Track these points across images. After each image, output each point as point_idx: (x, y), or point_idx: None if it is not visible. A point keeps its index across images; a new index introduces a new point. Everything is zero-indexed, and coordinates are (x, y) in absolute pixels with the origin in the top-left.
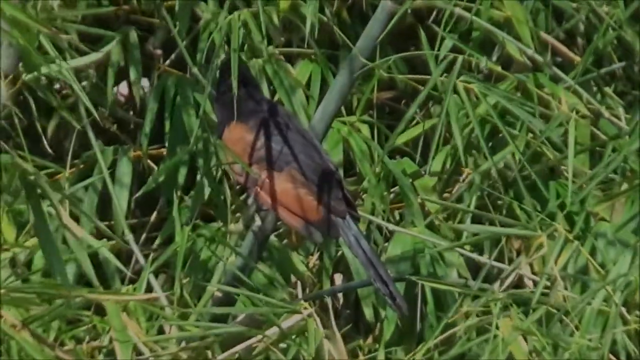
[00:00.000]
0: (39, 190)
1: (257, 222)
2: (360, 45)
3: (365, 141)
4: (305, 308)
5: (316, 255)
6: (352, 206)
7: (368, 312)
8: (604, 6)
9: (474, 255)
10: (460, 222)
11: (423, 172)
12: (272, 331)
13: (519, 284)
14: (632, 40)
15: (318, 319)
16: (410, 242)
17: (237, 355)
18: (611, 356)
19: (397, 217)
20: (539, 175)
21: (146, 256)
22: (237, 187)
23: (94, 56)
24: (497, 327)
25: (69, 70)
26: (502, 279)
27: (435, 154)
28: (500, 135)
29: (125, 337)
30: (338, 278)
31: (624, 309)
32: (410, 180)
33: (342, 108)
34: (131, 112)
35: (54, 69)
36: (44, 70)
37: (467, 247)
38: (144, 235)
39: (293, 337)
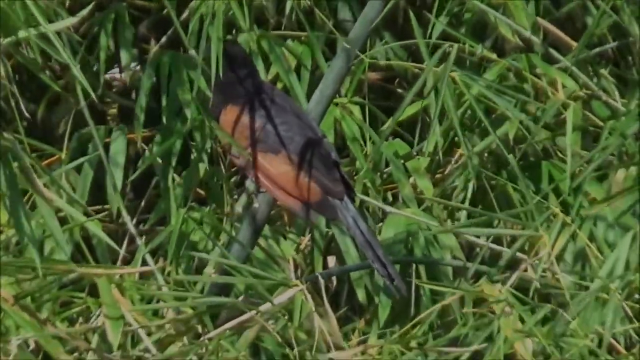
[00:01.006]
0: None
1: (255, 204)
2: (357, 29)
3: (357, 123)
4: (296, 285)
5: (308, 237)
6: (350, 187)
7: (361, 295)
8: None
9: (472, 237)
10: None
11: (415, 153)
12: (265, 307)
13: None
14: (629, 24)
15: (309, 296)
16: (403, 223)
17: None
18: (612, 341)
19: (391, 199)
20: (532, 156)
21: (139, 237)
22: (234, 169)
23: (70, 20)
24: (499, 330)
25: (54, 33)
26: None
27: (431, 135)
28: (493, 116)
29: (116, 312)
30: (331, 260)
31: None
32: (402, 161)
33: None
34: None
35: (33, 33)
36: (22, 34)
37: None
38: (135, 218)
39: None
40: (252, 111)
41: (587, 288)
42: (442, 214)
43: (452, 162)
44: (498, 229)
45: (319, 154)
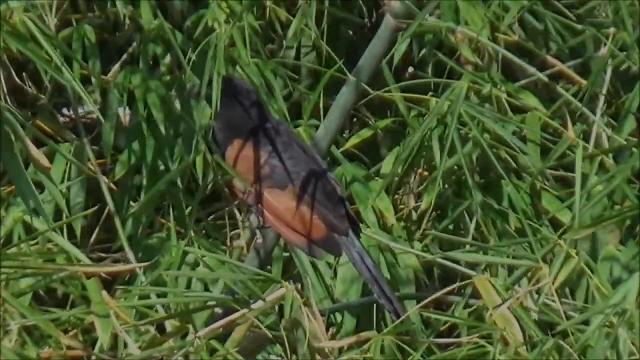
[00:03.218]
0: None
1: (259, 239)
2: (363, 64)
3: None
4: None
5: None
6: (355, 222)
7: None
8: (611, 28)
9: (444, 261)
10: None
11: (374, 175)
12: (256, 305)
13: None
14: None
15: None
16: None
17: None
18: None
19: None
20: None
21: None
22: (239, 204)
23: None
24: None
25: None
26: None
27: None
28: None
29: (104, 309)
30: None
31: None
32: (362, 183)
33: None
34: None
35: None
36: None
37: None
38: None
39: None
40: (259, 146)
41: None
42: (402, 234)
43: (410, 183)
44: (497, 258)
45: (325, 190)
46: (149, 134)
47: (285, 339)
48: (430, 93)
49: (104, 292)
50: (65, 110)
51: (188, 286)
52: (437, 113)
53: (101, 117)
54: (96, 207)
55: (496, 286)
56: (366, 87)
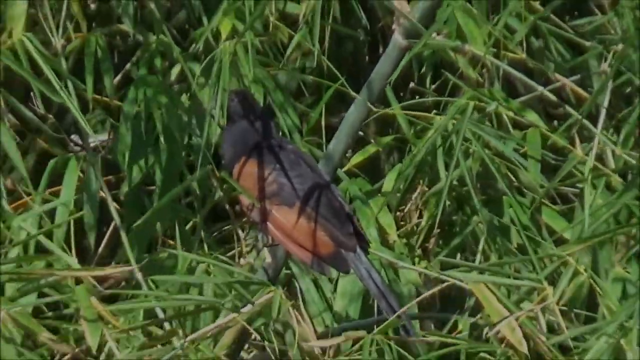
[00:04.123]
0: None
1: (267, 258)
2: (371, 82)
3: None
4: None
5: None
6: (363, 239)
7: None
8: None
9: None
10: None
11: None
12: (245, 308)
13: None
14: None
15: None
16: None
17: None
18: None
19: None
20: (493, 190)
21: None
22: (245, 222)
23: None
24: None
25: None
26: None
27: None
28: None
29: (92, 314)
30: None
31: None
32: (364, 199)
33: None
34: None
35: None
36: None
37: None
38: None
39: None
40: (267, 164)
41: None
42: (404, 250)
43: (413, 199)
44: (500, 278)
45: (332, 207)
46: (162, 148)
47: (274, 342)
48: (434, 112)
49: (93, 298)
50: (75, 138)
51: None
52: (442, 130)
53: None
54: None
55: (496, 293)
56: (371, 106)
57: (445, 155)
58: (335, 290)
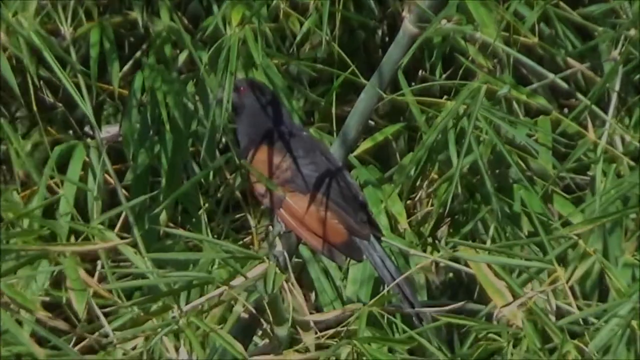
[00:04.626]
0: None
1: (279, 247)
2: (381, 70)
3: None
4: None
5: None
6: (376, 227)
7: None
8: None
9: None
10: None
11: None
12: (237, 281)
13: None
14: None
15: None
16: None
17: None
18: None
19: None
20: (504, 178)
21: None
22: (257, 209)
23: None
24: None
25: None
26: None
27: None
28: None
29: (79, 285)
30: None
31: None
32: (375, 186)
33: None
34: None
35: None
36: None
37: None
38: None
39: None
40: (282, 151)
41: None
42: (415, 239)
43: (424, 187)
44: (510, 260)
45: (346, 195)
46: (167, 136)
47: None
48: (445, 97)
49: (82, 271)
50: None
51: None
52: (454, 114)
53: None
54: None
55: (498, 272)
56: (381, 92)
57: (456, 144)
58: (345, 277)
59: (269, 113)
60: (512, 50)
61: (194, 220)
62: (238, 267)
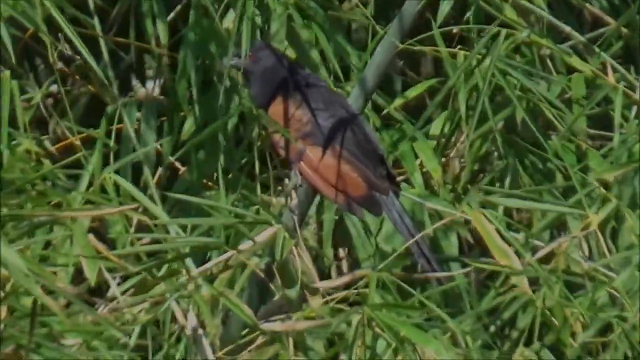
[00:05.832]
0: None
1: (294, 200)
2: (397, 22)
3: None
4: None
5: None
6: (396, 182)
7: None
8: None
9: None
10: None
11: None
12: (245, 245)
13: None
14: None
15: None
16: (408, 205)
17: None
18: None
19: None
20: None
21: None
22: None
23: None
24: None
25: None
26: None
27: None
28: (497, 98)
29: (89, 251)
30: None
31: None
32: (410, 143)
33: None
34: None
35: None
36: None
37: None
38: None
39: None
40: (301, 103)
41: None
42: (448, 197)
43: (459, 144)
44: (540, 204)
45: (366, 149)
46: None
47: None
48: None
49: (91, 235)
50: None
51: None
52: (475, 56)
53: None
54: None
55: (493, 221)
56: (397, 42)
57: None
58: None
59: (285, 64)
60: (541, 10)
61: (230, 176)
62: (246, 231)
